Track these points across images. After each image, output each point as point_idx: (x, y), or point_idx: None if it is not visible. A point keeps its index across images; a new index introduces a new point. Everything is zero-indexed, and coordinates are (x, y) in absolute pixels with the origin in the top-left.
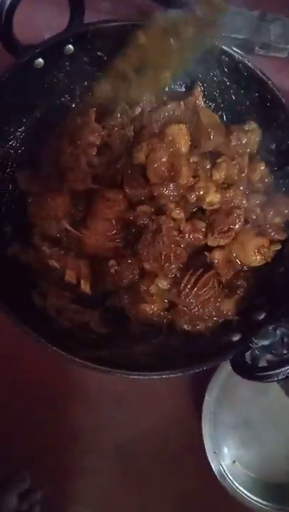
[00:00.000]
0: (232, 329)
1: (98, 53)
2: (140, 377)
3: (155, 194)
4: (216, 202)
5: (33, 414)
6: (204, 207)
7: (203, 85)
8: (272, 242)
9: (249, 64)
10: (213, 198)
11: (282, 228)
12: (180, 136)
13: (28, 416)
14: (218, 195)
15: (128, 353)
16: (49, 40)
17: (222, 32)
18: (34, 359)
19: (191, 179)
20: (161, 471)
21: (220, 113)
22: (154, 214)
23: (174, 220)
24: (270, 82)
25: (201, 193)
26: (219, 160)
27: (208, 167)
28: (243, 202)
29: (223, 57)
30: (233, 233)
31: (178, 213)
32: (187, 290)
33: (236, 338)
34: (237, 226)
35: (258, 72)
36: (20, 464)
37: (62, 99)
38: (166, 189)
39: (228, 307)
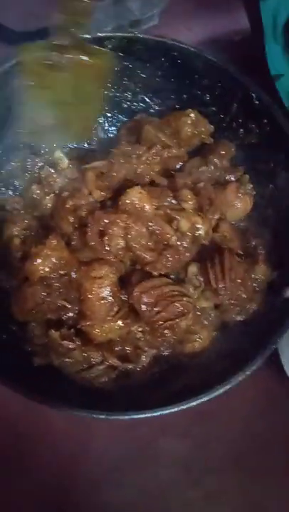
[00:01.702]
0: (278, 287)
1: None
2: (229, 385)
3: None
4: (208, 227)
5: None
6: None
7: None
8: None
9: (141, 36)
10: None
11: (230, 168)
12: (142, 199)
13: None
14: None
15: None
16: None
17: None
18: None
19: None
20: None
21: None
22: None
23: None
24: (172, 41)
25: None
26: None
27: (174, 202)
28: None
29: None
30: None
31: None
32: (221, 285)
33: (287, 292)
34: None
35: (160, 39)
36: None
37: None
38: (165, 261)
39: (262, 271)
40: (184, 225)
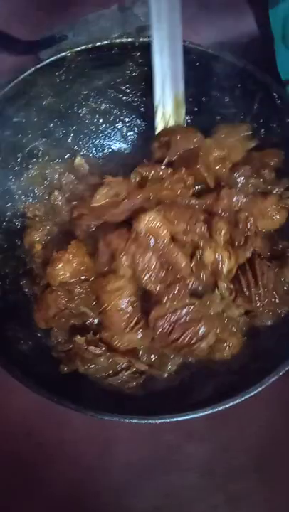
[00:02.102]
0: None
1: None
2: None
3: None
4: (233, 264)
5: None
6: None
7: None
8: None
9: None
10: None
11: (274, 179)
12: (157, 227)
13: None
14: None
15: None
16: None
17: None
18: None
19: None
20: None
21: None
22: None
23: None
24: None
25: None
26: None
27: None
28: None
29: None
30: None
31: None
32: (255, 291)
33: None
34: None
35: None
36: None
37: None
38: (173, 295)
39: None
40: (208, 256)
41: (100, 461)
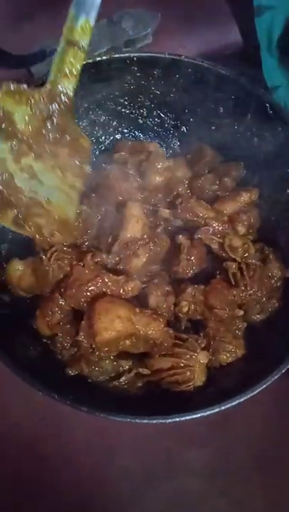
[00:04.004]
0: None
1: None
2: (265, 384)
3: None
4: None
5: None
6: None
7: None
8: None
9: (158, 55)
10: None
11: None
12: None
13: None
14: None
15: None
16: None
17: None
18: None
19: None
20: None
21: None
22: None
23: None
24: (187, 58)
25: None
26: None
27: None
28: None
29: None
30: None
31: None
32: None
33: None
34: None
35: (176, 57)
36: None
37: None
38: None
39: (275, 267)
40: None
41: (102, 471)
